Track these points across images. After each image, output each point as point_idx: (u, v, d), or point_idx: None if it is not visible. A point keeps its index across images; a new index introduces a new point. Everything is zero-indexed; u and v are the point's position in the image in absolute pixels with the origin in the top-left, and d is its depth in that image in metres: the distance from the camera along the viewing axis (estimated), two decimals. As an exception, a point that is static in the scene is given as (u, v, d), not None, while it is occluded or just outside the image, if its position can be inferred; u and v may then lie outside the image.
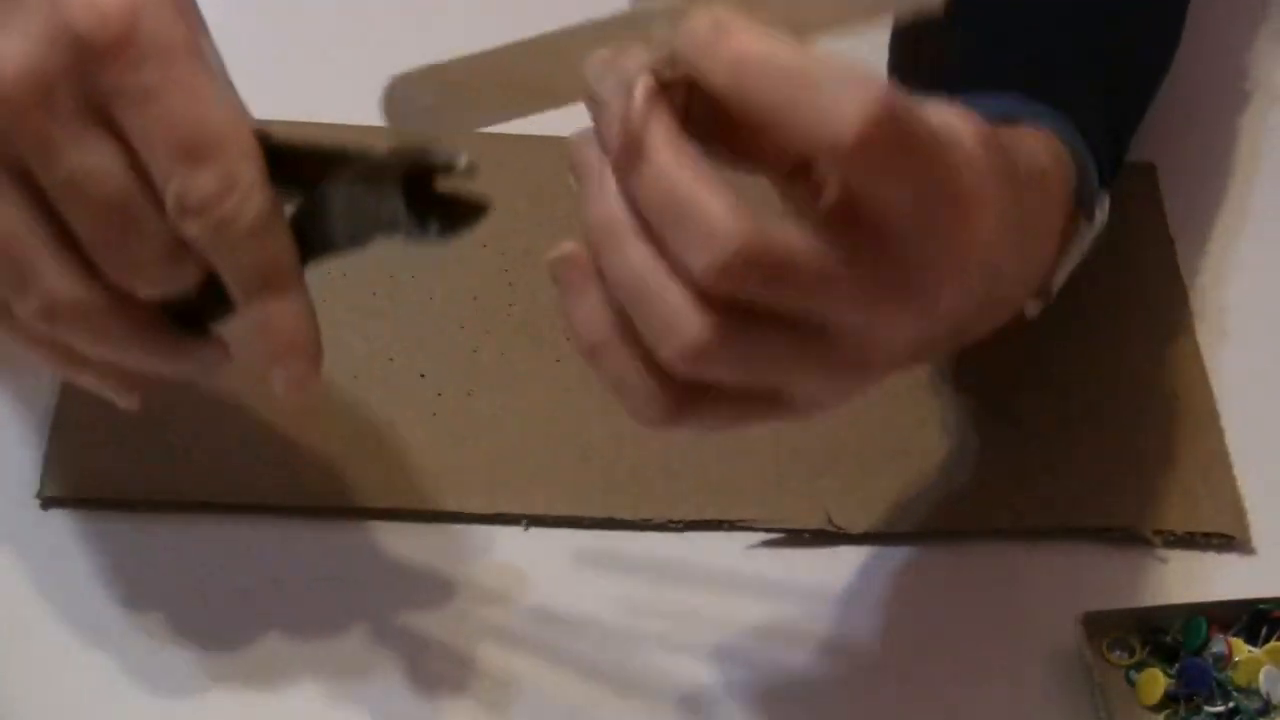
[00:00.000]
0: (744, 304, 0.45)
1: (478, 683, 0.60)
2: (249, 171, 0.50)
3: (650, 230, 0.46)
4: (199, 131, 0.49)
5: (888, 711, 0.61)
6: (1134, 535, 0.65)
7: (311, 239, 0.52)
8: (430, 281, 0.69)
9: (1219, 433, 0.68)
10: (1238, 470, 0.67)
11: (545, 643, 0.61)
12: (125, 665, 0.60)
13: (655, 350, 0.46)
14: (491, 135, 0.65)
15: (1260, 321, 0.72)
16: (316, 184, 0.51)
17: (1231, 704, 0.59)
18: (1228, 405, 0.68)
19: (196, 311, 0.53)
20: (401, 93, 0.51)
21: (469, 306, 0.69)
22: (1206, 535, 0.65)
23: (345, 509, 0.64)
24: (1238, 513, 0.65)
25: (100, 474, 0.63)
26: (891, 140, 0.43)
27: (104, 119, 0.49)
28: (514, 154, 0.73)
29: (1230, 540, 0.65)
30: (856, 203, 0.45)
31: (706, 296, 0.45)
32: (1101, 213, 0.60)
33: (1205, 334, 0.70)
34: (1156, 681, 0.59)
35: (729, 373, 0.47)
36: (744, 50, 0.44)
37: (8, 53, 0.48)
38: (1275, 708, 0.59)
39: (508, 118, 0.51)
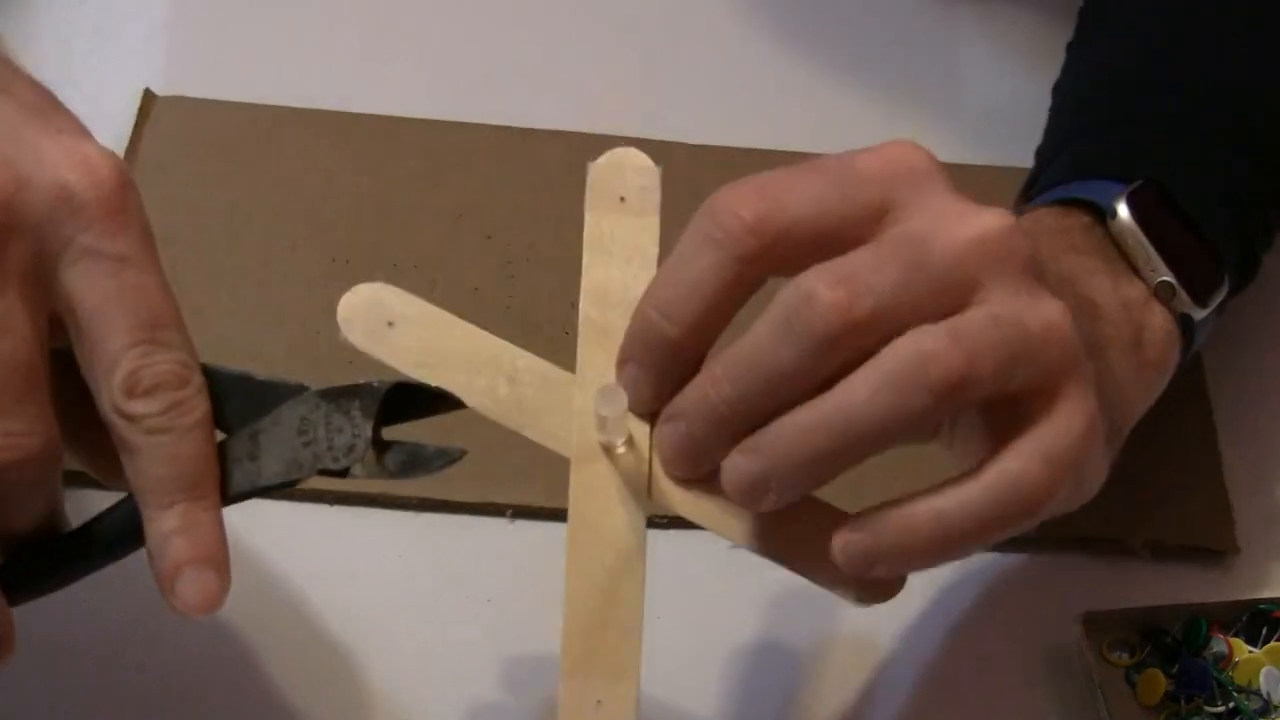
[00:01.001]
0: None
1: (460, 675, 0.60)
2: (198, 371, 0.49)
3: None
4: (165, 312, 0.48)
5: (887, 713, 0.60)
6: (1124, 547, 0.64)
7: (230, 478, 0.50)
8: (430, 273, 0.69)
9: (1213, 446, 0.68)
10: (1229, 484, 0.66)
11: (529, 634, 0.61)
12: (119, 662, 0.59)
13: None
14: (493, 127, 0.66)
15: (1257, 333, 0.72)
16: (244, 421, 0.50)
17: (1231, 704, 0.59)
18: (1223, 419, 0.68)
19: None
20: (367, 302, 0.52)
21: (468, 299, 0.69)
22: (1197, 548, 0.65)
23: (333, 494, 0.63)
24: (1228, 526, 0.65)
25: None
26: None
27: (36, 284, 0.47)
28: (516, 147, 0.73)
29: (1221, 554, 0.65)
30: None
31: None
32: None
33: (1203, 343, 0.70)
34: (1156, 681, 0.59)
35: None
36: None
37: None
38: (1275, 708, 0.59)
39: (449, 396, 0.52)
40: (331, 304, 0.53)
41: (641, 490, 0.51)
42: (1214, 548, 0.65)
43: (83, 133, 0.49)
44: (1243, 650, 0.59)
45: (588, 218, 0.53)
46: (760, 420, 0.49)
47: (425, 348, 0.52)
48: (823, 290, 0.48)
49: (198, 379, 0.48)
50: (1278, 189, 0.66)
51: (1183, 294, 0.59)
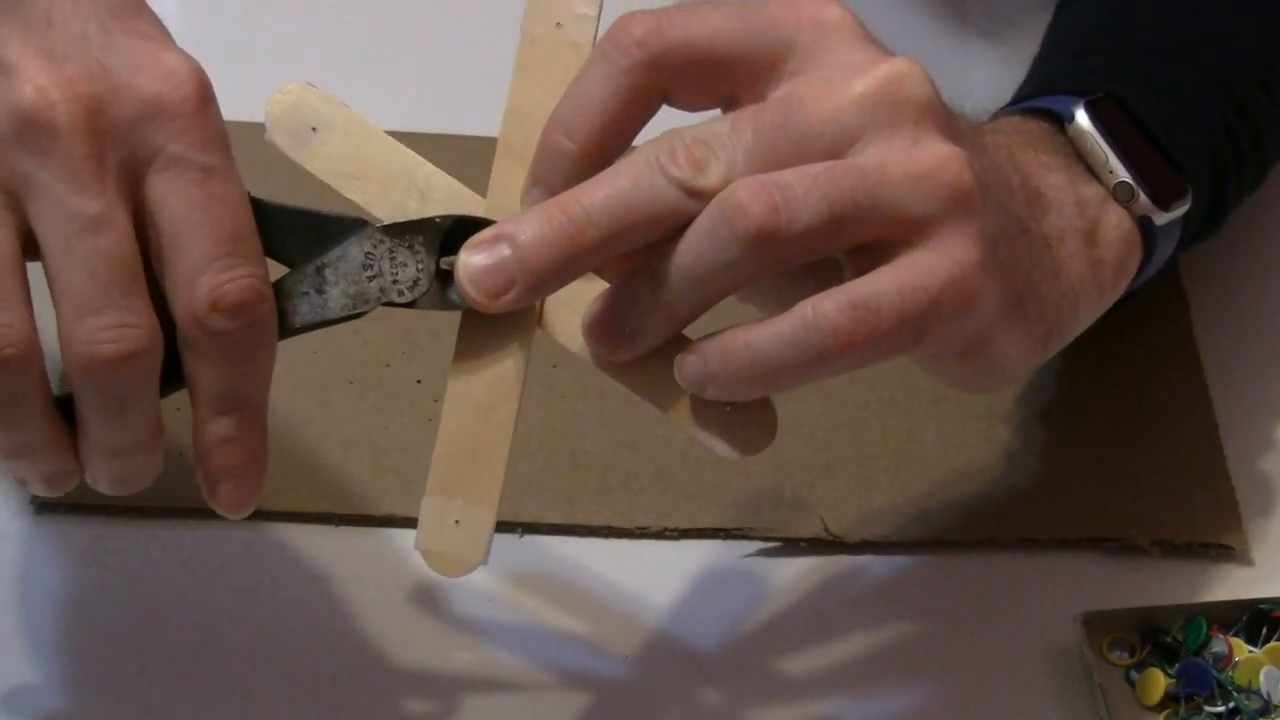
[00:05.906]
0: None
1: (469, 690, 0.60)
2: (269, 284, 0.50)
3: None
4: (244, 224, 0.49)
5: (887, 712, 0.60)
6: (1132, 545, 0.64)
7: (297, 310, 0.51)
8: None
9: (1217, 442, 0.67)
10: (1235, 480, 0.66)
11: (538, 651, 0.61)
12: (119, 670, 0.59)
13: None
14: (484, 139, 0.65)
15: (1260, 330, 0.72)
16: (306, 255, 0.51)
17: (1231, 704, 0.59)
18: (1226, 415, 0.68)
19: None
20: (294, 103, 0.52)
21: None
22: (1205, 545, 0.65)
23: (341, 515, 0.64)
24: (1235, 522, 0.65)
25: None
26: None
27: (129, 185, 0.48)
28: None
29: (1229, 550, 0.65)
30: None
31: None
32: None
33: (1204, 342, 0.70)
34: (1156, 681, 0.59)
35: None
36: None
37: (76, 76, 0.48)
38: (1275, 708, 0.59)
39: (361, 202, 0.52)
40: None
41: (531, 321, 0.52)
42: (1223, 543, 0.64)
43: (166, 38, 0.51)
44: (1243, 650, 0.59)
45: (521, 37, 0.53)
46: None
47: (347, 157, 0.52)
48: (664, 160, 0.48)
49: (270, 293, 0.50)
50: (1255, 133, 0.65)
51: (1142, 196, 0.58)
